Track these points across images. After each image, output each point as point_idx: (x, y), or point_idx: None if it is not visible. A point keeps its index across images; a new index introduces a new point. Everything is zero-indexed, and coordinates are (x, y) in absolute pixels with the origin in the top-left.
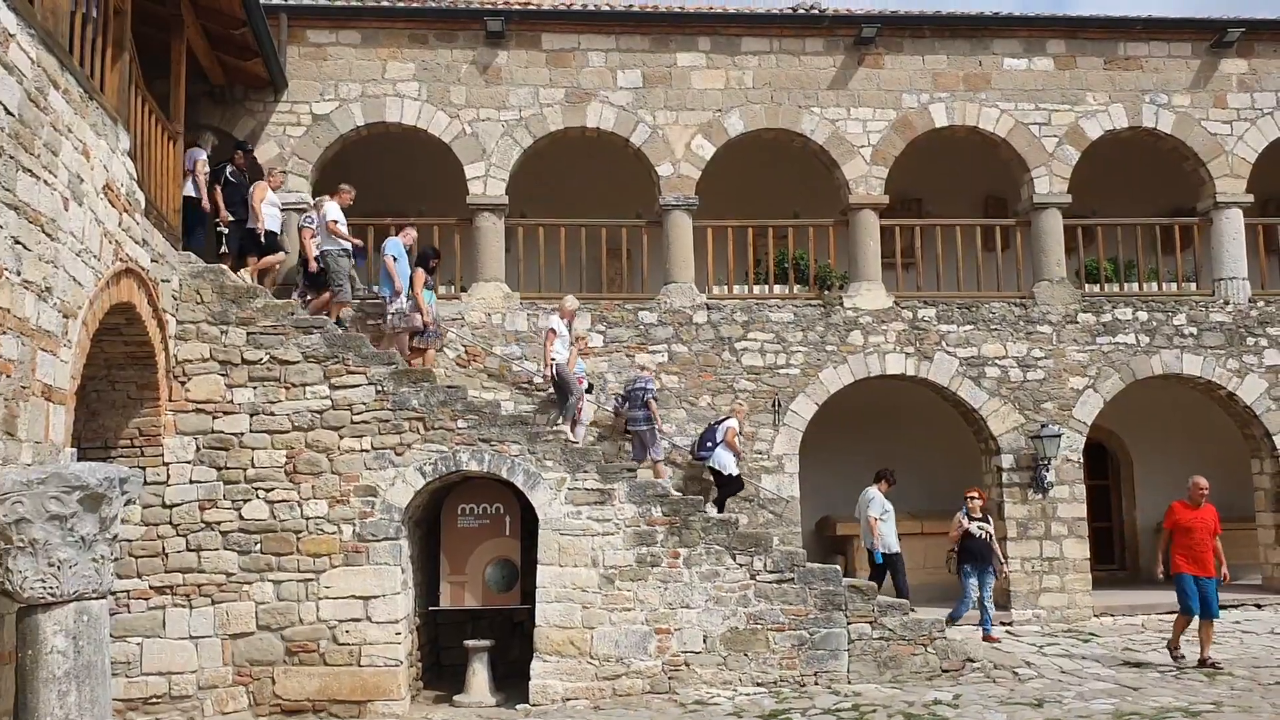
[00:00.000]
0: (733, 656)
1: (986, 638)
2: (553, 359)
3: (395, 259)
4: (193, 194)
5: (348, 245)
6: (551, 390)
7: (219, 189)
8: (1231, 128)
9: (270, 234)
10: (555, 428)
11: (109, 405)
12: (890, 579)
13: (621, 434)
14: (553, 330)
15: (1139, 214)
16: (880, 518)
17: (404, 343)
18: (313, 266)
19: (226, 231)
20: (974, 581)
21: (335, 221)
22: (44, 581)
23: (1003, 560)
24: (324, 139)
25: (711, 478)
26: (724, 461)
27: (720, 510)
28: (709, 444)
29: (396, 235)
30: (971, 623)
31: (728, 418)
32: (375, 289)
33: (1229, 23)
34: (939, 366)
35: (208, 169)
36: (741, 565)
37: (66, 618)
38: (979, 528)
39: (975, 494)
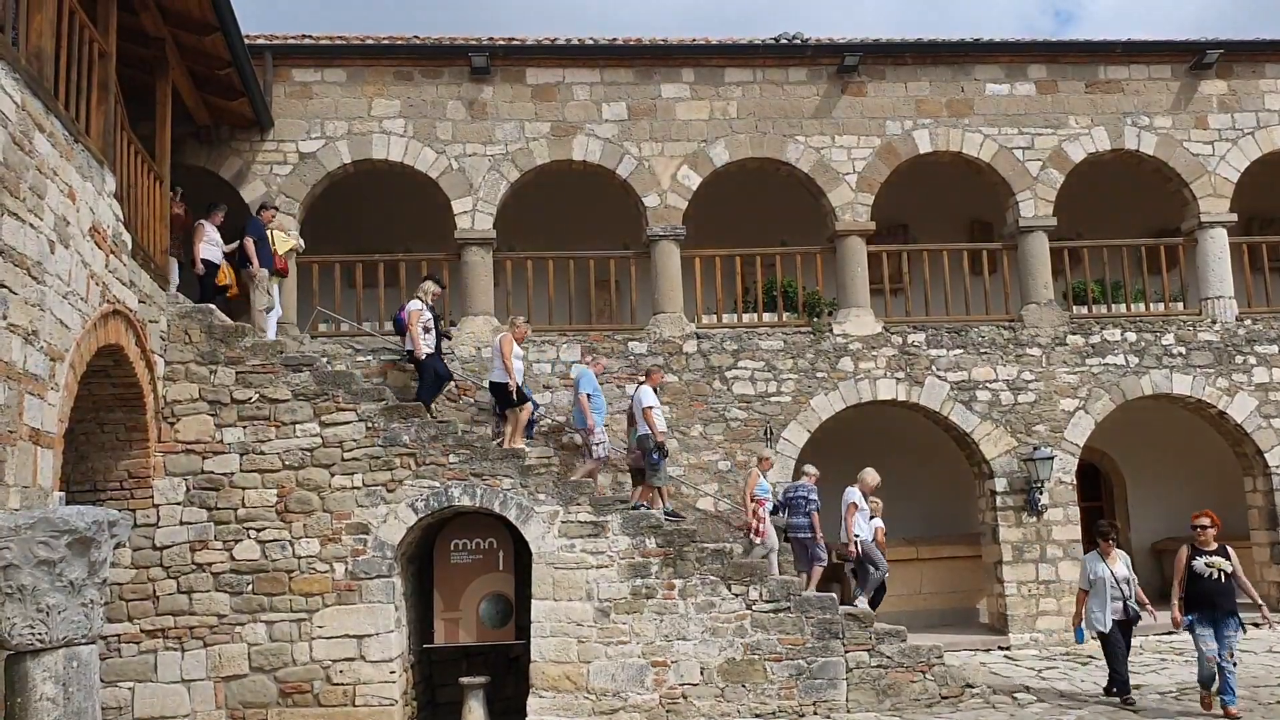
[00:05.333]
0: (730, 688)
1: (1227, 712)
2: (856, 536)
3: (591, 396)
4: (427, 347)
5: (661, 427)
6: (849, 565)
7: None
8: (1213, 148)
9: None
10: (854, 606)
11: (97, 447)
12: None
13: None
14: (854, 504)
15: (1124, 235)
16: (1086, 589)
17: (596, 470)
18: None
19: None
20: (1205, 634)
21: (650, 408)
22: (32, 628)
23: (1259, 603)
24: (311, 177)
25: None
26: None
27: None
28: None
29: (588, 365)
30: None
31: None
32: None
33: (1207, 44)
34: (930, 391)
35: (426, 315)
36: (737, 595)
37: (56, 664)
38: (1207, 565)
39: (1206, 520)
